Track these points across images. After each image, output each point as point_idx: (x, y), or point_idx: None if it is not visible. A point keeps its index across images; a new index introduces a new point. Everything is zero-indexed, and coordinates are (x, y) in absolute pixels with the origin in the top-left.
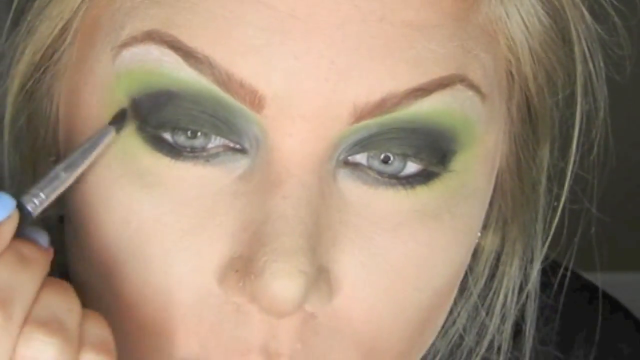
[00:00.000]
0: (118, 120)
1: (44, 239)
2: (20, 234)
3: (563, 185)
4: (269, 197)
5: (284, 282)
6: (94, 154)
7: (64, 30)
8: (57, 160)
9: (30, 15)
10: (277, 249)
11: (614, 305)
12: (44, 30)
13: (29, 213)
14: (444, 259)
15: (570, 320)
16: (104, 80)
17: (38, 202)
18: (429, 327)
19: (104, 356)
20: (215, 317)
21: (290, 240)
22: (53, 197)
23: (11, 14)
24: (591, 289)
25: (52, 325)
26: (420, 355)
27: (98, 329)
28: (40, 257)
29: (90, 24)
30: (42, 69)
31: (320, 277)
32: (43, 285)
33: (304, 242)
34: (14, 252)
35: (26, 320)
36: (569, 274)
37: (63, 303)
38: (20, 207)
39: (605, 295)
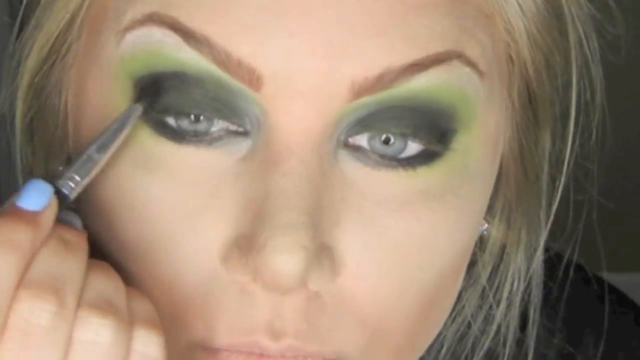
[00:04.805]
0: (144, 99)
1: (77, 221)
2: (58, 219)
3: (563, 172)
4: (270, 175)
5: (284, 256)
6: (124, 132)
7: (71, 23)
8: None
9: (38, 10)
10: (277, 225)
11: (622, 299)
12: (51, 24)
13: (66, 197)
14: (447, 239)
15: (578, 313)
16: (110, 66)
17: (73, 185)
18: (434, 310)
19: (154, 331)
20: (220, 297)
21: (291, 216)
22: (88, 179)
23: (21, 12)
24: (598, 282)
25: (104, 307)
26: (428, 341)
27: (143, 304)
28: (81, 241)
29: (96, 15)
30: (50, 63)
31: (323, 254)
32: (86, 268)
33: (304, 217)
34: (57, 238)
35: (78, 304)
36: (573, 266)
37: (109, 283)
38: (57, 192)
39: (613, 289)
